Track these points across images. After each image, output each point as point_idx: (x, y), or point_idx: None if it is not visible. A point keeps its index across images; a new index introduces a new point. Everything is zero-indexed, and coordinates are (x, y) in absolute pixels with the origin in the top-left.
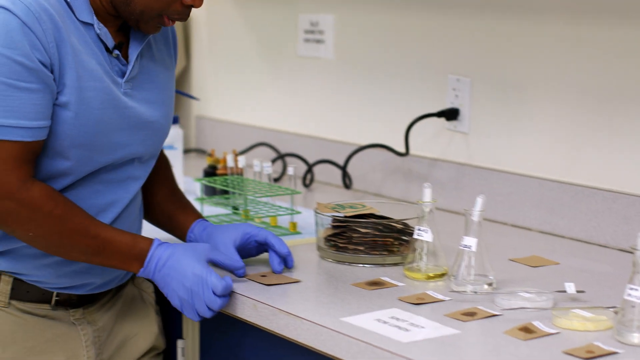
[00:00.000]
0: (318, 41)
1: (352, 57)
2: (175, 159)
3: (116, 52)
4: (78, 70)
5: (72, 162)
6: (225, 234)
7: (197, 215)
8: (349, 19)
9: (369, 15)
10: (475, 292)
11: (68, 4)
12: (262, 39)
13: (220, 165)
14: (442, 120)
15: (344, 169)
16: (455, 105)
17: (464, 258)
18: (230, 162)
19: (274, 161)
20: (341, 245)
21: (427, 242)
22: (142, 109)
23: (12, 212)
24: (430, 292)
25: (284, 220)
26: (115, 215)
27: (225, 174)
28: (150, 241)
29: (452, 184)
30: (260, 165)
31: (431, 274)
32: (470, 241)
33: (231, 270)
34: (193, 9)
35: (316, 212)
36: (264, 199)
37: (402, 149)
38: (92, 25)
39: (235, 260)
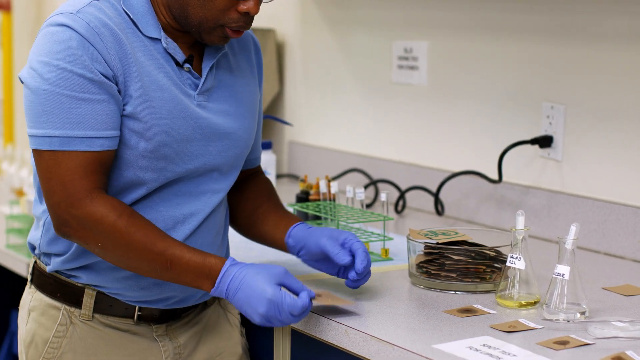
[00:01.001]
0: (412, 68)
1: (445, 83)
2: None
3: (187, 65)
4: (143, 81)
5: (145, 173)
6: (327, 232)
7: (298, 220)
8: (443, 45)
9: (463, 42)
10: (568, 321)
11: (133, 20)
12: (356, 65)
13: (312, 191)
14: (536, 147)
15: (436, 195)
16: (549, 132)
17: (557, 286)
18: (322, 188)
19: (366, 187)
20: (433, 272)
21: (519, 269)
22: (218, 120)
23: (79, 222)
24: (522, 320)
25: (376, 247)
26: (193, 227)
27: (318, 200)
28: (221, 261)
29: (545, 211)
30: (353, 191)
31: (523, 302)
32: (563, 269)
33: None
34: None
35: (408, 239)
36: (356, 225)
37: (495, 176)
38: (159, 40)
39: (306, 289)
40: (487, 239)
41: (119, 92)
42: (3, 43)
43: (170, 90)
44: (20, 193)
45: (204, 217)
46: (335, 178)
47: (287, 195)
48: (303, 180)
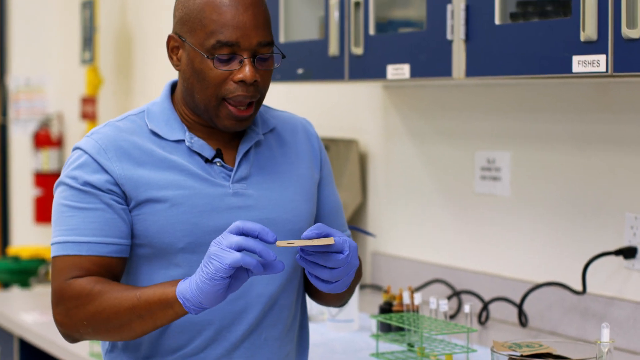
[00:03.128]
0: (494, 178)
1: (528, 194)
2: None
3: (217, 160)
4: (159, 184)
5: (186, 269)
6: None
7: None
8: (525, 156)
9: (545, 152)
10: None
11: (152, 131)
12: (439, 176)
13: (396, 302)
14: (620, 258)
15: (520, 306)
16: (633, 243)
17: None
18: (406, 299)
19: (449, 298)
20: None
21: None
22: (259, 206)
23: (65, 309)
24: None
25: (460, 359)
26: (252, 320)
27: (401, 311)
28: (174, 282)
29: (630, 322)
30: (436, 302)
31: None
32: None
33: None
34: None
35: (492, 351)
36: (440, 337)
37: (578, 287)
38: (183, 140)
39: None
40: (572, 352)
41: (125, 196)
42: None
43: (193, 187)
44: None
45: (262, 309)
46: (418, 289)
47: (370, 306)
48: (386, 291)
